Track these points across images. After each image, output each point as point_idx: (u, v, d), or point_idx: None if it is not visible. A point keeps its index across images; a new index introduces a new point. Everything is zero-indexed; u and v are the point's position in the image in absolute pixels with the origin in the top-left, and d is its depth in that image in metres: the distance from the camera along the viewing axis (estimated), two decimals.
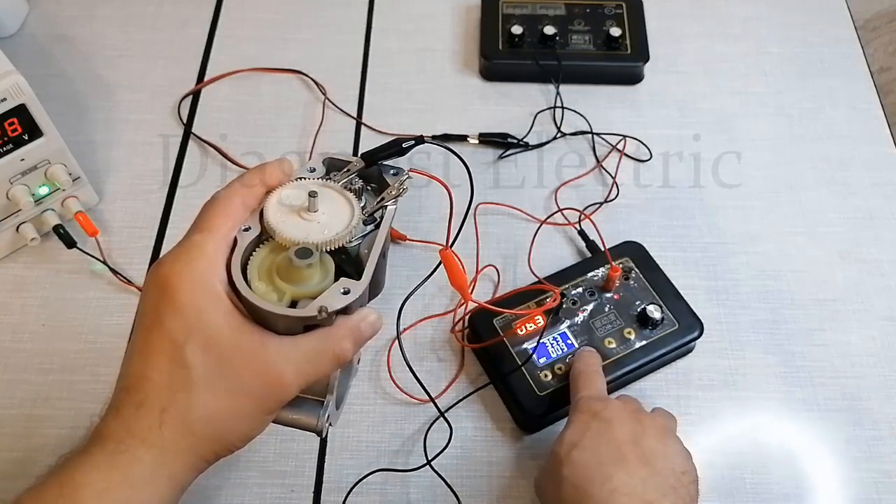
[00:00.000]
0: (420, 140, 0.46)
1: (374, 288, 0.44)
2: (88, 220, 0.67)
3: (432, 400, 0.59)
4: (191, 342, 0.38)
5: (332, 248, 0.42)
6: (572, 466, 0.49)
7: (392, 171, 0.46)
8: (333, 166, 0.46)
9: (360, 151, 0.59)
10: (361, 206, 0.44)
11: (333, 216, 0.43)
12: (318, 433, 0.45)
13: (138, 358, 0.39)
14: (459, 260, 0.49)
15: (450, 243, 0.48)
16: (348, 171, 0.45)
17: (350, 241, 0.42)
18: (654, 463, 0.49)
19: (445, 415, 0.59)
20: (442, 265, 0.49)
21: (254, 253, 0.42)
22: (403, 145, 0.45)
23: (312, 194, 0.42)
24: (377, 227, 0.44)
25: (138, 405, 0.39)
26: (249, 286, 0.40)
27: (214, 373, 0.39)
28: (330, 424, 0.46)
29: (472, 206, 0.70)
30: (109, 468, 0.38)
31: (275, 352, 0.39)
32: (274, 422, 0.43)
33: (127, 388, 0.39)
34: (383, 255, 0.44)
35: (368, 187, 0.46)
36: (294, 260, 0.40)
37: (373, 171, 0.46)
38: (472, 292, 0.66)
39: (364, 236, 0.43)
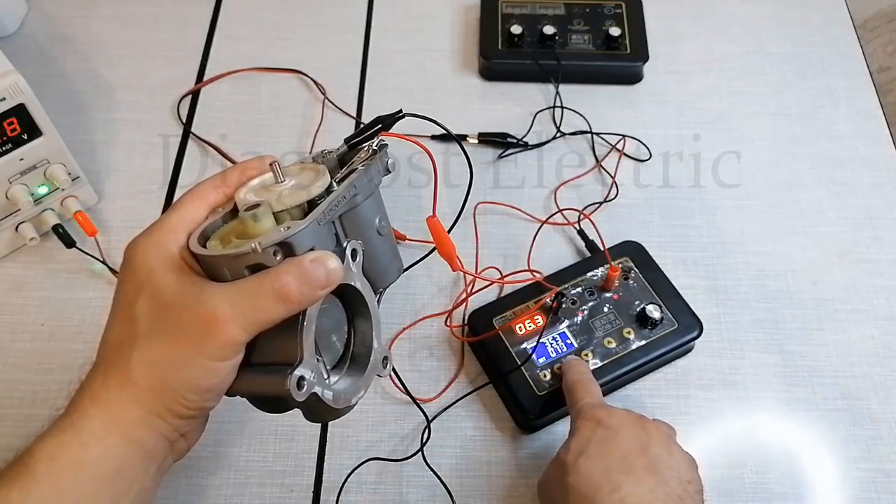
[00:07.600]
0: (400, 114, 0.47)
1: (377, 266, 0.45)
2: (88, 219, 0.67)
3: (417, 404, 0.60)
4: (140, 298, 0.40)
5: (286, 206, 0.41)
6: (578, 475, 0.49)
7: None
8: (320, 156, 0.47)
9: None
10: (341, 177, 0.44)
11: (299, 185, 0.43)
12: (291, 399, 0.39)
13: (105, 328, 0.42)
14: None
15: (434, 210, 0.49)
16: (330, 151, 0.46)
17: (316, 201, 0.42)
18: (661, 472, 0.48)
19: (440, 413, 0.59)
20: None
21: (222, 226, 0.43)
22: (385, 122, 0.46)
23: (274, 165, 0.43)
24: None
25: (94, 367, 0.41)
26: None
27: (156, 321, 0.39)
28: (324, 400, 0.41)
29: (472, 205, 0.71)
30: (62, 431, 0.39)
31: (211, 292, 0.39)
32: (242, 394, 0.42)
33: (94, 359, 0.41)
34: (379, 232, 0.45)
35: (360, 167, 0.46)
36: (243, 215, 0.41)
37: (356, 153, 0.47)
38: (472, 292, 0.66)
39: (341, 203, 0.43)
